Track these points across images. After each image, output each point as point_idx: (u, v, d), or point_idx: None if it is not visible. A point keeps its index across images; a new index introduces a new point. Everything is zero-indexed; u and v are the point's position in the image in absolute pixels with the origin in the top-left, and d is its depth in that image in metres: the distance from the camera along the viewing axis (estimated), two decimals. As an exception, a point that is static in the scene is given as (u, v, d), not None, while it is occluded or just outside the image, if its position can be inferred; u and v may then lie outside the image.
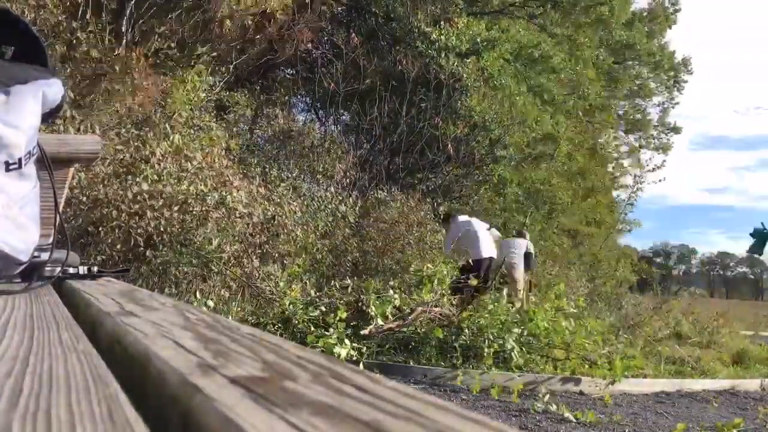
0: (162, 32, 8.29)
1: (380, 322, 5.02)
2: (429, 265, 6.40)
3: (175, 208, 5.54)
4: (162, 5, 8.45)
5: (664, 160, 17.21)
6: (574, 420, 3.77)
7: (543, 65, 13.04)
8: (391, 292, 5.48)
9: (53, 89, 1.40)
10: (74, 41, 7.05)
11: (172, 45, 8.21)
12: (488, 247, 7.63)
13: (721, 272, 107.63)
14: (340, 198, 9.16)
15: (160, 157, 5.85)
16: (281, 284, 5.85)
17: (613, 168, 19.81)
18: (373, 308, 5.08)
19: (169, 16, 8.97)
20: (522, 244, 8.42)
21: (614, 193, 19.29)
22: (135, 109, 6.80)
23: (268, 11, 8.83)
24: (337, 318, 4.77)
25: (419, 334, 5.07)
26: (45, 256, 1.32)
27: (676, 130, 24.60)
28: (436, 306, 5.42)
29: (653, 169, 17.19)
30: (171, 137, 6.25)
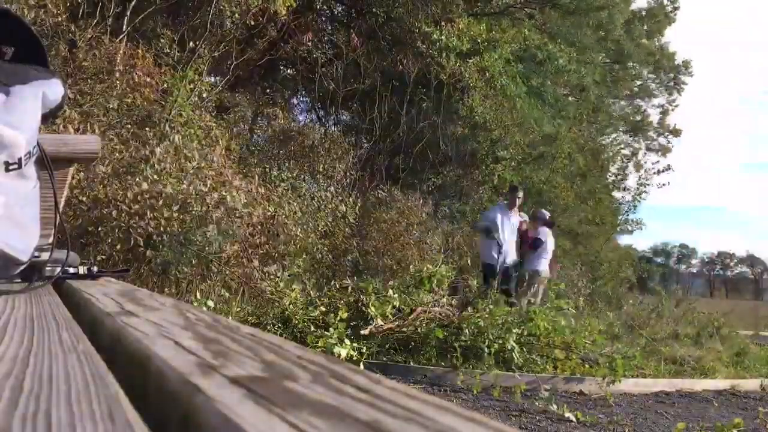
0: (163, 32, 8.29)
1: (380, 322, 5.02)
2: (429, 265, 6.40)
3: (175, 208, 5.53)
4: (163, 5, 8.45)
5: (669, 165, 17.06)
6: (574, 420, 3.77)
7: (546, 66, 13.01)
8: (391, 292, 5.48)
9: (53, 89, 1.40)
10: (75, 41, 7.05)
11: (173, 45, 8.22)
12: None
13: (721, 272, 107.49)
14: (340, 198, 9.16)
15: (160, 157, 5.85)
16: (281, 284, 5.85)
17: (616, 169, 19.74)
18: (373, 308, 5.07)
19: (170, 15, 8.97)
20: None
21: (617, 194, 19.18)
22: (135, 108, 6.80)
23: (270, 11, 8.83)
24: (337, 318, 4.76)
25: (419, 334, 5.07)
26: (45, 256, 1.32)
27: (675, 132, 24.52)
28: (435, 306, 5.42)
29: (658, 172, 17.05)
30: (171, 137, 6.26)
